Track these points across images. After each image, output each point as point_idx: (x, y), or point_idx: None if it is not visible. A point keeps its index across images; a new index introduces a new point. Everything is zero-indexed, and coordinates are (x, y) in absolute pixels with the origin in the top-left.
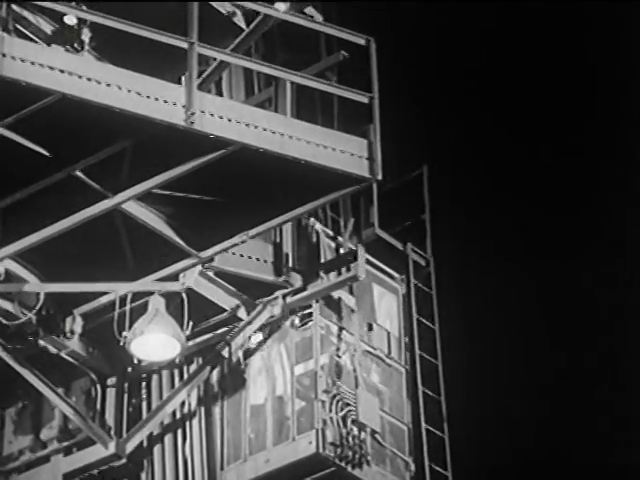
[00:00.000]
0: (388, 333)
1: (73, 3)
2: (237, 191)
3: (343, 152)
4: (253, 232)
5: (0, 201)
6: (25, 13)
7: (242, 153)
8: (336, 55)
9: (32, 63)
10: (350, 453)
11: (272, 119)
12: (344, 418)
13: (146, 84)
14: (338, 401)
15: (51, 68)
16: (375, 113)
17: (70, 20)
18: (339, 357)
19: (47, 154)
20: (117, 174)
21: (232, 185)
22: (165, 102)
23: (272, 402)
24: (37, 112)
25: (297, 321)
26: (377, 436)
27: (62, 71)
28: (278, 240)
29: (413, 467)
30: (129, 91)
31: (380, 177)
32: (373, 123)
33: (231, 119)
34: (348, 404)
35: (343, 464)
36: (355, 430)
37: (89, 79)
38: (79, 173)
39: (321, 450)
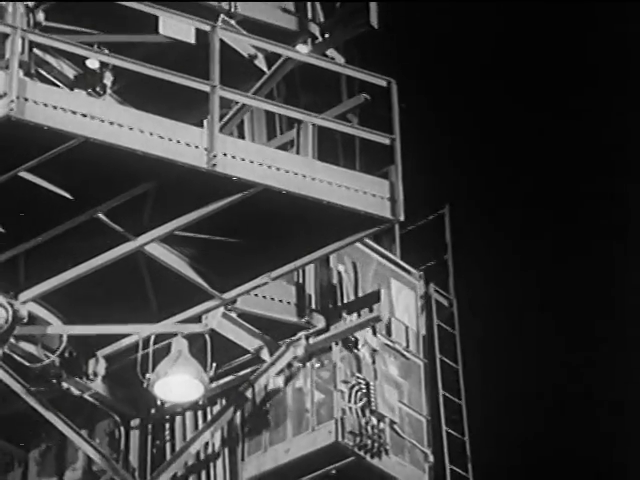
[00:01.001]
0: (406, 327)
1: (95, 47)
2: (259, 232)
3: (365, 193)
4: (276, 274)
5: (23, 244)
6: (48, 57)
7: (264, 195)
8: (358, 97)
9: (54, 107)
10: (369, 442)
11: (294, 161)
12: (363, 408)
13: (168, 127)
14: (357, 392)
15: (73, 112)
16: (396, 154)
17: (92, 64)
18: (358, 350)
19: (70, 197)
20: (140, 216)
21: (254, 226)
22: (187, 145)
23: (292, 394)
24: (60, 155)
25: None
26: (396, 427)
27: (84, 115)
28: (301, 281)
29: (432, 458)
30: (151, 134)
31: (402, 218)
32: (394, 164)
33: (253, 161)
34: (367, 395)
35: (362, 453)
36: (374, 420)
37: (111, 122)
38: (102, 216)
39: (340, 439)
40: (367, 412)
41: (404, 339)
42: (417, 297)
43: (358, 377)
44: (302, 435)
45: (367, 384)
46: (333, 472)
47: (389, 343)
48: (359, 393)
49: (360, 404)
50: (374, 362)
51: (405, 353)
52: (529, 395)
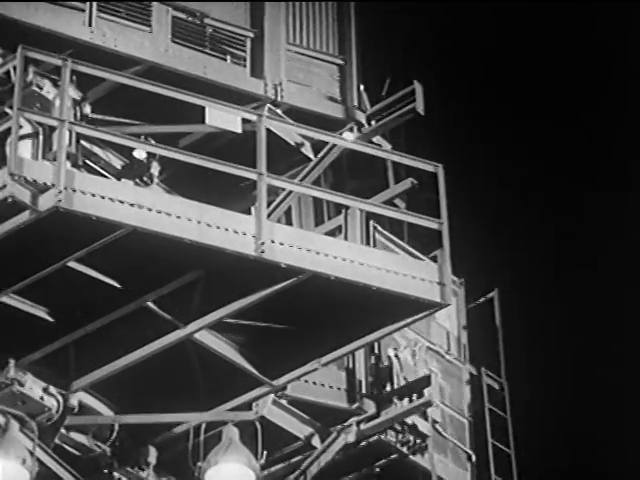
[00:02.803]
0: (447, 332)
1: (142, 137)
2: (309, 318)
3: (414, 277)
4: (326, 359)
5: (73, 333)
6: (95, 148)
7: (313, 281)
8: (405, 182)
9: (102, 197)
10: (411, 439)
11: (342, 246)
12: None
13: (216, 215)
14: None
15: (121, 202)
16: (445, 239)
17: (139, 154)
18: (400, 352)
19: (118, 286)
20: (188, 304)
21: (304, 312)
22: (235, 232)
23: None
24: (108, 245)
25: None
26: (438, 426)
27: (132, 204)
28: (350, 366)
29: (474, 458)
30: (199, 222)
31: (451, 302)
32: (443, 248)
33: (301, 247)
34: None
35: (405, 450)
36: (409, 356)
37: (159, 212)
38: (151, 304)
39: (383, 436)
40: (403, 348)
41: (445, 343)
42: (458, 302)
43: (401, 378)
44: None
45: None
46: (377, 470)
47: (431, 346)
48: (398, 363)
49: (399, 373)
50: (415, 365)
51: (446, 356)
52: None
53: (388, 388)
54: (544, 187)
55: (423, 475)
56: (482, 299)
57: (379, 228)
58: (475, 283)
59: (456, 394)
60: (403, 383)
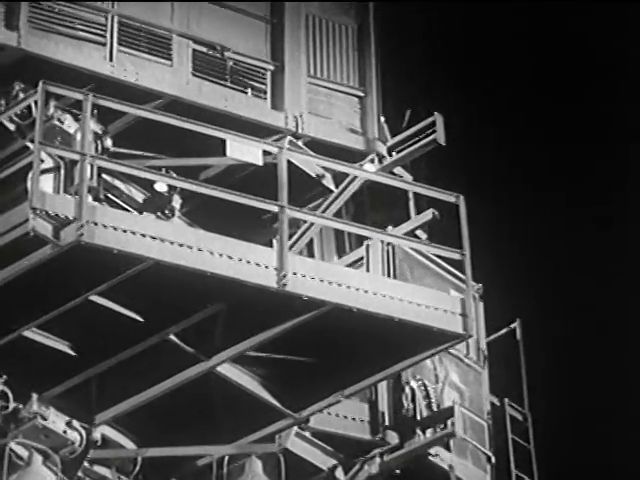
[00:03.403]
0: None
1: (163, 170)
2: (331, 350)
3: (436, 309)
4: (349, 391)
5: (95, 367)
6: (116, 182)
7: (335, 313)
8: (426, 213)
9: (124, 231)
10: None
11: (364, 278)
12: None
13: (238, 248)
14: (420, 387)
15: (143, 235)
16: (467, 269)
17: (160, 187)
18: (423, 382)
19: (140, 319)
20: (210, 337)
21: (326, 344)
22: (257, 265)
23: None
24: (130, 278)
25: None
26: (453, 396)
27: (154, 237)
28: (373, 398)
29: (494, 460)
30: (221, 255)
31: (474, 333)
32: (465, 279)
33: (323, 280)
34: (428, 397)
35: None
36: (431, 387)
37: (181, 245)
38: (173, 337)
39: None
40: (426, 379)
41: (464, 347)
42: (477, 309)
43: (419, 380)
44: None
45: (425, 386)
46: (397, 471)
47: (450, 350)
48: (421, 394)
49: (423, 404)
50: (435, 368)
51: (465, 360)
52: None
53: (411, 418)
54: (567, 215)
55: (442, 476)
56: (505, 329)
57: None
58: (497, 313)
59: (475, 397)
60: (426, 414)
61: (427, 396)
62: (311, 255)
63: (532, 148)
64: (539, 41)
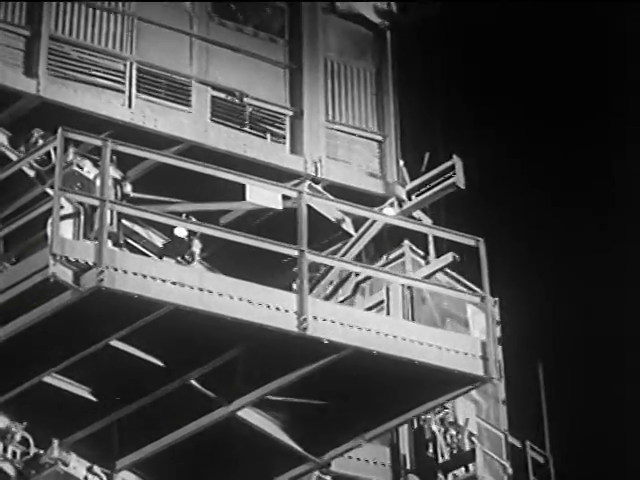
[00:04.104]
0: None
1: (182, 216)
2: (352, 393)
3: (457, 352)
4: (369, 435)
5: (116, 412)
6: (136, 227)
7: (356, 356)
8: (446, 257)
9: (144, 276)
10: (450, 450)
11: (384, 321)
12: (442, 419)
13: (258, 292)
14: None
15: (163, 280)
16: (487, 312)
17: (180, 232)
18: (444, 425)
19: (161, 364)
20: (231, 381)
21: (347, 388)
22: (277, 309)
23: None
24: (150, 323)
25: None
26: (474, 439)
27: (174, 282)
28: (395, 441)
29: (511, 471)
30: (241, 299)
31: (495, 376)
32: (486, 322)
33: (343, 323)
34: (449, 439)
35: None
36: (452, 431)
37: (201, 289)
38: (193, 382)
39: None
40: (446, 422)
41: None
42: (492, 319)
43: (440, 422)
44: None
45: (446, 428)
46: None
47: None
48: (442, 437)
49: (439, 415)
50: (455, 409)
51: (485, 400)
52: None
53: (432, 461)
54: (585, 258)
55: None
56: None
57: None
58: (518, 355)
59: (493, 409)
60: (447, 457)
61: (448, 438)
62: (331, 299)
63: (549, 194)
64: (557, 85)
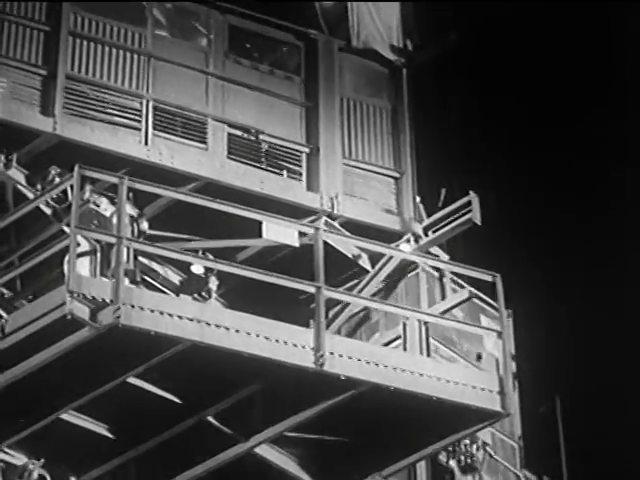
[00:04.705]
0: (497, 360)
1: (199, 252)
2: (369, 429)
3: (474, 387)
4: (387, 471)
5: (133, 449)
6: (153, 264)
7: (373, 392)
8: (463, 292)
9: (161, 313)
10: (462, 458)
11: (401, 357)
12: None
13: (274, 328)
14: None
15: (180, 317)
16: (505, 347)
17: (197, 269)
18: (461, 459)
19: (178, 401)
20: (248, 417)
21: (364, 424)
22: (294, 345)
23: None
24: (167, 360)
25: None
26: (489, 449)
27: (191, 319)
28: (412, 478)
29: None
30: (257, 336)
31: (512, 411)
32: (504, 357)
33: (360, 359)
34: (466, 475)
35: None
36: (467, 440)
37: (218, 326)
38: (211, 418)
39: None
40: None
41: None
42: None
43: (457, 457)
44: None
45: (463, 464)
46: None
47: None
48: (459, 472)
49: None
50: (472, 444)
51: (501, 435)
52: None
53: None
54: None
55: None
56: (543, 408)
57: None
58: (536, 391)
59: (508, 420)
60: None
61: (465, 474)
62: (348, 335)
63: (566, 229)
64: (576, 116)
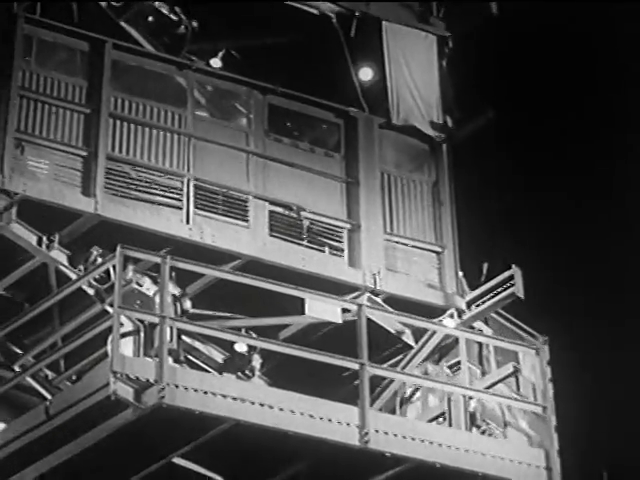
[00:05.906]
0: (533, 384)
1: (242, 331)
2: None
3: (520, 463)
4: None
5: None
6: (196, 343)
7: (418, 469)
8: (507, 367)
9: (205, 392)
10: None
11: (447, 434)
12: None
13: (319, 406)
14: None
15: (224, 396)
16: (550, 421)
17: (240, 347)
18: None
19: None
20: None
21: None
22: (339, 423)
23: None
24: (212, 439)
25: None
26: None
27: (235, 398)
28: None
29: None
30: (302, 414)
31: None
32: (549, 434)
33: (406, 436)
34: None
35: None
36: None
37: (262, 404)
38: None
39: None
40: None
41: (531, 395)
42: (542, 358)
43: (488, 423)
44: None
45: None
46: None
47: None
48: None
49: None
50: (503, 414)
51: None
52: None
53: None
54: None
55: None
56: None
57: None
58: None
59: (546, 439)
60: None
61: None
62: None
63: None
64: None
